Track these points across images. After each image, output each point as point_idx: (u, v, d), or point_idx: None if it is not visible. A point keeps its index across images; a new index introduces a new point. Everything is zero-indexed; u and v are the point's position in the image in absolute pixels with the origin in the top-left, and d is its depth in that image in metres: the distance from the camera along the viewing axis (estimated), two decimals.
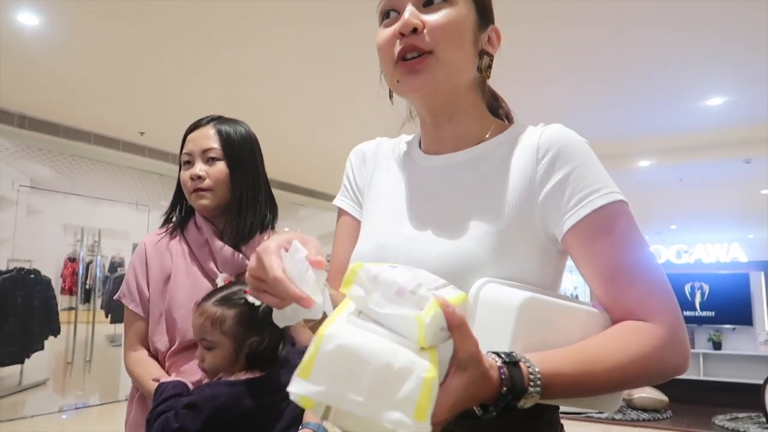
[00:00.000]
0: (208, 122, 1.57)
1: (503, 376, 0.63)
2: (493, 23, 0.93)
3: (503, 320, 0.70)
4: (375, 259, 0.80)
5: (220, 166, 1.52)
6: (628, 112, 5.09)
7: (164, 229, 1.60)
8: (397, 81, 0.87)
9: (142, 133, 6.01)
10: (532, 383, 0.64)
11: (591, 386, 0.72)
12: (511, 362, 0.64)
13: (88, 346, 6.01)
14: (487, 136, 0.91)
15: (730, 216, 10.13)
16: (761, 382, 5.68)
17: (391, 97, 0.93)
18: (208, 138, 1.54)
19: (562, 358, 0.70)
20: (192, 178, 1.51)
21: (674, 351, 0.75)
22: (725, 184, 7.86)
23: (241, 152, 1.55)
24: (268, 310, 0.74)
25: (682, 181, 7.54)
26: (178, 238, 1.56)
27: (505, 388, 0.62)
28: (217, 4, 3.27)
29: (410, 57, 0.85)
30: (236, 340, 1.25)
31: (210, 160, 1.52)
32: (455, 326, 0.58)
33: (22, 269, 5.25)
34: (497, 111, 0.99)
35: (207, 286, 1.45)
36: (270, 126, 5.69)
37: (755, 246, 11.24)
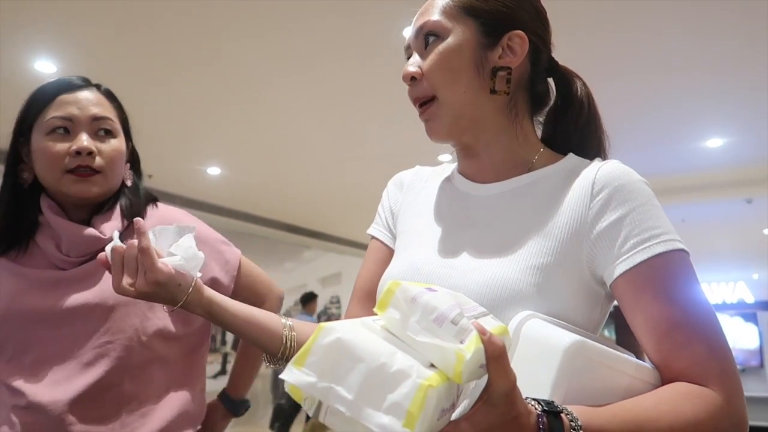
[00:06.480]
0: (87, 84, 1.13)
1: (541, 426, 0.56)
2: (513, 29, 0.82)
3: (546, 362, 0.63)
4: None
5: (116, 144, 1.12)
6: (630, 153, 5.15)
7: None
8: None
9: (150, 176, 6.08)
10: None
11: None
12: (552, 412, 0.57)
13: None
14: (534, 160, 0.86)
15: (734, 256, 10.11)
16: None
17: None
18: (100, 104, 1.11)
19: (609, 416, 0.62)
20: (78, 152, 1.05)
21: (731, 422, 0.67)
22: (727, 224, 7.89)
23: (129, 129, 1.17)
24: None
25: (685, 221, 7.56)
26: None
27: None
28: (224, 50, 3.38)
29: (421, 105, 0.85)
30: None
31: (103, 133, 1.10)
32: (493, 357, 0.51)
33: None
34: (552, 137, 0.91)
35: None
36: (276, 168, 5.79)
37: (761, 286, 11.17)
